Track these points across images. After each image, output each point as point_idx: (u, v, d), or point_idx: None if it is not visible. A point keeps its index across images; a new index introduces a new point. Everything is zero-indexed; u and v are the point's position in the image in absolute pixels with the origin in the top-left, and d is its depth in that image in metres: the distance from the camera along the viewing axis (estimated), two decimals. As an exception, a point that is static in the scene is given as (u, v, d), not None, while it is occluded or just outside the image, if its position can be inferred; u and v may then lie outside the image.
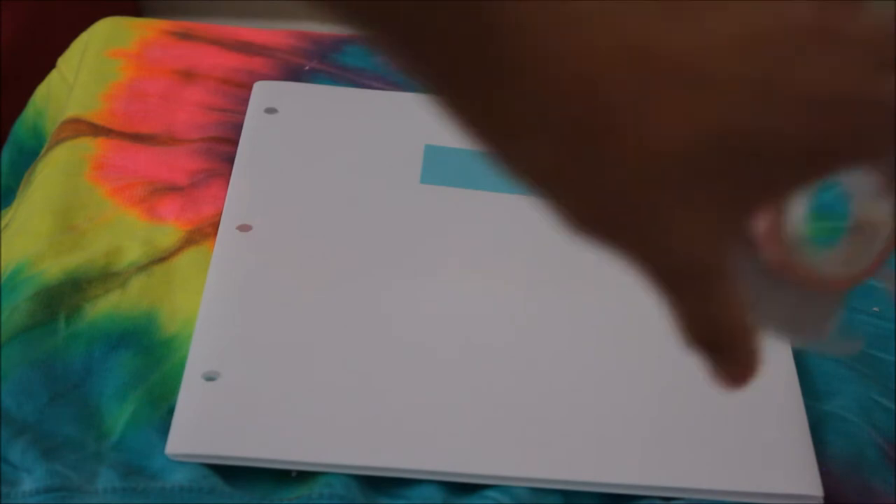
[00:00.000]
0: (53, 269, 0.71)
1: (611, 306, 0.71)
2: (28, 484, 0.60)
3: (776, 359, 0.70)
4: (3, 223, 0.78)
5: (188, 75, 0.86)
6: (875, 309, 0.75)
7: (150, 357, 0.68)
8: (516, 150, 0.36)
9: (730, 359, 0.39)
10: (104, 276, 0.71)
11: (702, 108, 0.34)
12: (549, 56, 0.34)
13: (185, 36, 0.89)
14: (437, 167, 0.80)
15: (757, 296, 0.39)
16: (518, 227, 0.75)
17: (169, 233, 0.75)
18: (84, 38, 0.90)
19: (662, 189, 0.35)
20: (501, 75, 0.34)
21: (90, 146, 0.80)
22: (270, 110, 0.83)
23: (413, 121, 0.84)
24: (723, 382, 0.39)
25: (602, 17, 0.35)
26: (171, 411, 0.65)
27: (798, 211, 0.38)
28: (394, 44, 0.34)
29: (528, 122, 0.35)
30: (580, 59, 0.34)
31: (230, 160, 0.80)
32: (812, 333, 0.40)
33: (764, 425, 0.66)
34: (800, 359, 0.70)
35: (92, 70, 0.86)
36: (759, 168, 0.35)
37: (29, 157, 0.85)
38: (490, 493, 0.62)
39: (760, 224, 0.38)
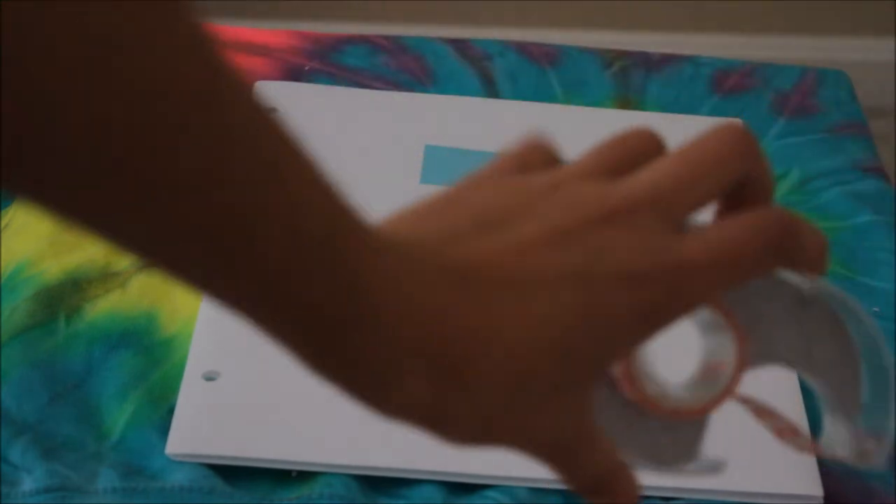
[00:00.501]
0: (53, 269, 0.71)
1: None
2: (28, 484, 0.60)
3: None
4: (3, 223, 0.78)
5: (188, 75, 0.86)
6: (875, 309, 0.75)
7: (150, 357, 0.68)
8: (388, 397, 0.38)
9: (611, 494, 0.43)
10: (104, 276, 0.71)
11: (538, 313, 0.38)
12: (397, 310, 0.36)
13: (186, 36, 0.89)
14: (437, 167, 0.80)
15: (620, 431, 0.43)
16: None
17: (169, 233, 0.75)
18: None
19: (524, 396, 0.38)
20: (361, 334, 0.36)
21: (90, 146, 0.80)
22: (270, 110, 0.83)
23: (413, 121, 0.84)
24: None
25: (425, 255, 0.37)
26: (171, 411, 0.65)
27: (646, 349, 0.42)
28: (252, 309, 0.36)
29: (394, 370, 0.37)
30: (421, 308, 0.37)
31: (230, 160, 0.80)
32: (676, 462, 0.43)
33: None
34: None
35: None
36: (602, 344, 0.39)
37: (29, 157, 0.85)
38: (490, 493, 0.62)
39: (615, 367, 0.42)
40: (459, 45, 0.92)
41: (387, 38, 0.92)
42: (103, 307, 0.70)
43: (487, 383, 0.38)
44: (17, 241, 0.74)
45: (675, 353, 0.45)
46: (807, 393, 0.68)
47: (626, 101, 0.90)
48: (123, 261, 0.72)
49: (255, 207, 0.33)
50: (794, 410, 0.67)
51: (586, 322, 0.38)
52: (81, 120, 0.29)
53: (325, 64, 0.89)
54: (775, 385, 0.68)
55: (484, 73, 0.90)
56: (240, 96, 0.33)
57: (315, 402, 0.65)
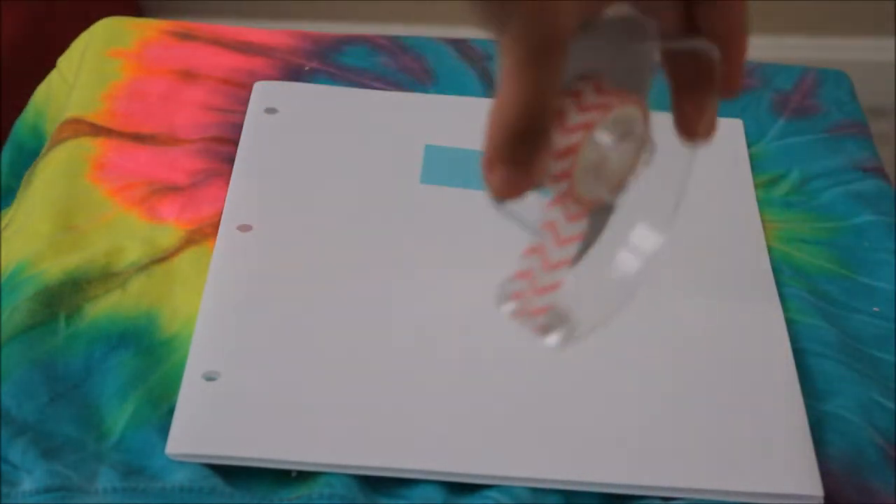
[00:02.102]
0: (53, 269, 0.71)
1: (611, 306, 0.71)
2: (28, 484, 0.60)
3: (776, 359, 0.70)
4: (3, 223, 0.78)
5: (188, 75, 0.86)
6: (875, 309, 0.75)
7: (150, 357, 0.68)
8: None
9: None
10: (104, 276, 0.71)
11: None
12: None
13: (185, 36, 0.89)
14: (437, 167, 0.80)
15: None
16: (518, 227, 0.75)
17: (169, 233, 0.75)
18: (84, 38, 0.90)
19: None
20: None
21: (90, 146, 0.80)
22: (270, 110, 0.83)
23: (413, 121, 0.84)
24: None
25: None
26: (171, 411, 0.65)
27: None
28: None
29: None
30: None
31: (230, 160, 0.80)
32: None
33: (764, 425, 0.66)
34: (800, 359, 0.70)
35: (92, 70, 0.86)
36: None
37: (29, 157, 0.85)
38: (490, 493, 0.62)
39: None
40: (459, 45, 0.92)
41: (387, 38, 0.92)
42: (103, 307, 0.70)
43: None
44: (17, 241, 0.74)
45: None
46: (807, 393, 0.68)
47: (626, 101, 0.90)
48: (123, 261, 0.72)
49: None
50: (794, 411, 0.67)
51: None
52: None
53: (325, 64, 0.89)
54: (775, 383, 0.68)
55: (484, 73, 0.89)
56: None
57: (315, 402, 0.66)
